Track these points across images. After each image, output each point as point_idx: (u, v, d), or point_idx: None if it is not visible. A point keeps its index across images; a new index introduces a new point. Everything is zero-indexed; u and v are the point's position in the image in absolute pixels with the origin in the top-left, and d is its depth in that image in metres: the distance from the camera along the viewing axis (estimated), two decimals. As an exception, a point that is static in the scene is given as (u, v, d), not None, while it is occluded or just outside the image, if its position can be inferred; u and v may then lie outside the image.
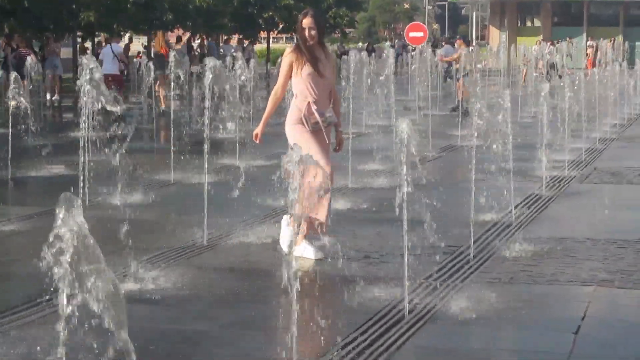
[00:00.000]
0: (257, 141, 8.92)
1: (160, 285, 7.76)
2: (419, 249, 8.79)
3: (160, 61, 27.65)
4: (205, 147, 9.90)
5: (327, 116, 8.70)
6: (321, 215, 8.49)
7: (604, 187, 13.25)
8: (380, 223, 10.15)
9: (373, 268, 8.44)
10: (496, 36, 64.11)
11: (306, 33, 8.66)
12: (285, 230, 8.66)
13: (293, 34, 56.74)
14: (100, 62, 27.70)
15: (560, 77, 32.75)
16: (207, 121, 10.02)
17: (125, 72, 40.51)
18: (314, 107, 8.61)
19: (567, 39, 54.48)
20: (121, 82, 28.55)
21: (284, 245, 8.66)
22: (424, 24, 46.07)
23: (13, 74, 14.91)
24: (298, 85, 8.69)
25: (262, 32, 56.14)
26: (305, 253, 8.55)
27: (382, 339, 6.48)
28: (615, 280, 8.05)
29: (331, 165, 8.70)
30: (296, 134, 8.56)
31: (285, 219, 8.73)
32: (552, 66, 36.62)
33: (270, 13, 51.58)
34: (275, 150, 16.48)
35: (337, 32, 64.22)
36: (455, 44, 30.25)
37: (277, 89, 8.82)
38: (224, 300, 7.47)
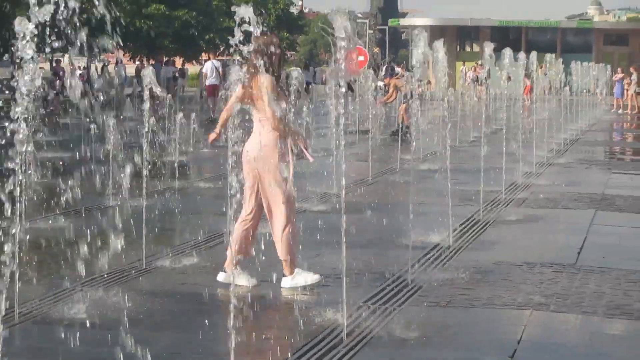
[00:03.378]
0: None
1: (98, 309, 7.70)
2: (357, 272, 8.84)
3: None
4: (144, 169, 9.87)
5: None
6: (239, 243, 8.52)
7: (540, 211, 13.40)
8: (319, 246, 10.17)
9: (312, 291, 8.45)
10: (436, 61, 64.66)
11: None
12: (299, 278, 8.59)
13: (232, 56, 56.84)
14: (204, 75, 35.05)
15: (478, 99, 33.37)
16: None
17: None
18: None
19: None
20: (217, 91, 33.58)
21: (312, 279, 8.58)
22: (365, 48, 46.31)
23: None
24: None
25: (203, 54, 56.11)
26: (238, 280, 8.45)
27: (321, 362, 6.50)
28: (551, 304, 8.15)
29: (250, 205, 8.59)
30: None
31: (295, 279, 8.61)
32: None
33: (212, 35, 51.55)
34: (216, 172, 16.48)
35: (278, 54, 64.28)
36: (385, 81, 30.58)
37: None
38: (161, 323, 7.43)
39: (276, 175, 8.37)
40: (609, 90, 44.45)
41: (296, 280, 8.53)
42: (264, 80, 8.34)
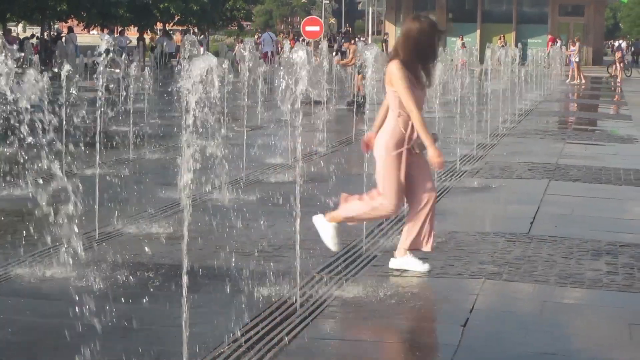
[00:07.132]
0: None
1: (50, 279, 7.65)
2: (312, 242, 8.84)
3: None
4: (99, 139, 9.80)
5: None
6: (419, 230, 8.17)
7: (494, 181, 13.47)
8: (274, 216, 10.16)
9: (266, 261, 8.44)
10: (392, 31, 64.70)
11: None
12: (326, 229, 8.21)
13: (189, 25, 56.39)
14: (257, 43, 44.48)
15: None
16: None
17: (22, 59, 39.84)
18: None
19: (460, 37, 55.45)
20: (272, 58, 41.64)
21: (330, 244, 8.25)
22: (321, 18, 46.16)
23: None
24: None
25: (158, 24, 55.68)
26: (408, 266, 8.26)
27: (274, 332, 6.50)
28: (504, 273, 8.21)
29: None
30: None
31: (318, 218, 8.24)
32: None
33: (167, 4, 51.12)
34: (172, 144, 16.40)
35: (234, 24, 64.13)
36: (344, 47, 30.58)
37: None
38: (113, 294, 7.39)
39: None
40: (562, 61, 44.64)
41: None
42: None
